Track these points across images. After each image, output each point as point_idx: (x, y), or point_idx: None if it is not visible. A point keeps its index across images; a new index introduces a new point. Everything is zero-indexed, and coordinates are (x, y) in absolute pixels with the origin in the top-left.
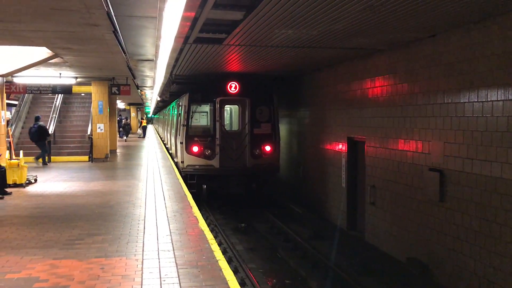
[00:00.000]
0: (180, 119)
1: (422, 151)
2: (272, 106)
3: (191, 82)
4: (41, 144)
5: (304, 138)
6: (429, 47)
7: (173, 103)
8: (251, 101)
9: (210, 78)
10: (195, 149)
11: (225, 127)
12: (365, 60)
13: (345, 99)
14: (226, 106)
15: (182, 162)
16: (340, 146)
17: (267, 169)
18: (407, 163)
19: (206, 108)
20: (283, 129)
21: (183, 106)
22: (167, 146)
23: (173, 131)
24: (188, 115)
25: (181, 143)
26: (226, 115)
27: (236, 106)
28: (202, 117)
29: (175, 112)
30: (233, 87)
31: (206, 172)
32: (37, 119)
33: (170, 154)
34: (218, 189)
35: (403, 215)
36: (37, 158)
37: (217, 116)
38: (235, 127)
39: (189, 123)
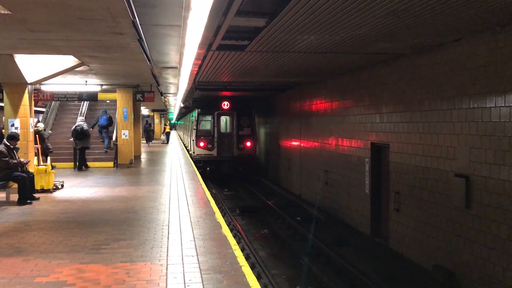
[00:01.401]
0: (193, 125)
1: (448, 157)
2: (251, 116)
3: (214, 89)
4: (106, 132)
5: (327, 144)
6: (454, 51)
7: (188, 116)
8: (237, 113)
9: (211, 99)
10: (202, 144)
11: (221, 130)
12: (388, 64)
13: (369, 105)
14: (221, 116)
15: (193, 152)
16: (363, 151)
17: (248, 157)
18: (432, 168)
19: (209, 118)
20: (307, 135)
21: (194, 117)
22: (185, 144)
23: (188, 132)
24: (198, 122)
25: (193, 140)
26: (222, 122)
27: (228, 117)
28: (206, 124)
29: (189, 120)
30: (225, 105)
31: (208, 159)
32: (104, 111)
33: (187, 149)
34: (216, 170)
35: (428, 222)
36: (106, 147)
37: (215, 123)
38: (228, 130)
39: (198, 128)
